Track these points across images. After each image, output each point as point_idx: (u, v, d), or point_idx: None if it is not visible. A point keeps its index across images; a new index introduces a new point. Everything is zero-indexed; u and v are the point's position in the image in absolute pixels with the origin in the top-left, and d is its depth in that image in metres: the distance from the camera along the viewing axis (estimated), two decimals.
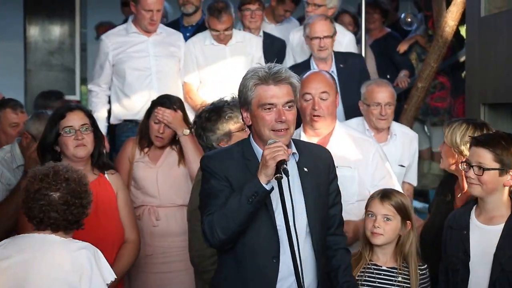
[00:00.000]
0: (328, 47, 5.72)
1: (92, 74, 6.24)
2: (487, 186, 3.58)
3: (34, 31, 8.77)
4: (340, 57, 5.85)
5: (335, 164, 3.67)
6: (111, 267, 3.69)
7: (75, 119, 4.04)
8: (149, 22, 5.81)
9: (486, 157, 3.57)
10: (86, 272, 3.05)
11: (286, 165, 3.14)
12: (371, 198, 3.86)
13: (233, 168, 3.27)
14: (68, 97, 8.49)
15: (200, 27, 6.46)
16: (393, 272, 3.77)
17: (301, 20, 7.17)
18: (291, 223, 3.10)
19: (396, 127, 5.29)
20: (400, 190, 4.21)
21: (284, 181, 3.17)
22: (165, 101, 4.78)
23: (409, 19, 7.38)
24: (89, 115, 4.16)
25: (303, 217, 3.32)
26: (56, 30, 8.82)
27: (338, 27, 6.29)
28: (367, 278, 3.76)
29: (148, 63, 5.82)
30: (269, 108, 3.26)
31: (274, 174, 3.13)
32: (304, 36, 5.84)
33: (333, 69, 5.77)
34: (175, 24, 6.59)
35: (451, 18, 6.45)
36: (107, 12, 8.28)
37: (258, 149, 3.33)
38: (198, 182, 3.92)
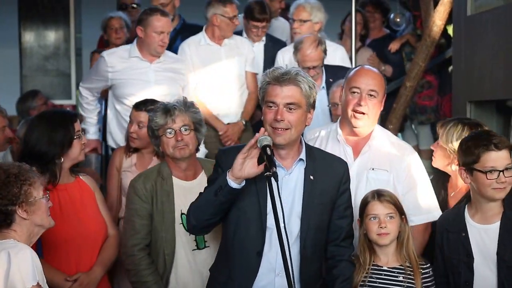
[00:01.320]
0: (318, 72, 5.68)
1: (86, 77, 6.12)
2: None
3: (29, 37, 8.83)
4: (330, 70, 5.77)
5: (371, 166, 3.81)
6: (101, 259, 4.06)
7: (78, 123, 4.14)
8: (160, 44, 5.61)
9: (508, 156, 3.59)
10: (1, 272, 3.08)
11: (275, 167, 3.18)
12: (367, 202, 3.78)
13: None
14: (64, 102, 8.56)
15: (178, 32, 6.42)
16: (394, 272, 3.74)
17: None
18: (281, 224, 3.15)
19: None
20: (436, 204, 4.06)
21: (280, 181, 3.26)
22: (141, 106, 4.82)
23: (398, 19, 7.43)
24: None
25: (296, 221, 3.41)
26: (51, 35, 8.87)
27: (329, 43, 6.27)
28: (368, 279, 3.73)
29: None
30: (271, 106, 3.35)
31: (264, 173, 3.20)
32: (294, 59, 5.75)
33: (323, 84, 5.74)
34: None
35: (438, 17, 6.48)
36: (102, 17, 8.29)
37: None
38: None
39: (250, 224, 3.38)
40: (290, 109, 3.33)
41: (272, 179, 3.15)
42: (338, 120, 4.16)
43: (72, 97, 8.93)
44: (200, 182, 4.10)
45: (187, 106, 4.18)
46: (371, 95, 3.95)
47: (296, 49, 5.69)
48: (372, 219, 3.75)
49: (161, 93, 5.47)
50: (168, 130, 4.09)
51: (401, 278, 3.72)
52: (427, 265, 3.79)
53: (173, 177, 4.12)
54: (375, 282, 3.73)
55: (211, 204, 3.32)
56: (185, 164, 4.14)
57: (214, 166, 3.53)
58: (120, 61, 5.66)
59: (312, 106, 3.44)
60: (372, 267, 3.76)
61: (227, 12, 6.03)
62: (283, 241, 3.10)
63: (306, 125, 3.45)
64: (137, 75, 5.63)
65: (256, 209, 3.37)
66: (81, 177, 4.24)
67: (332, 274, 3.54)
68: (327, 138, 4.12)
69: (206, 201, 3.35)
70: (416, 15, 7.09)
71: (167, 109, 4.13)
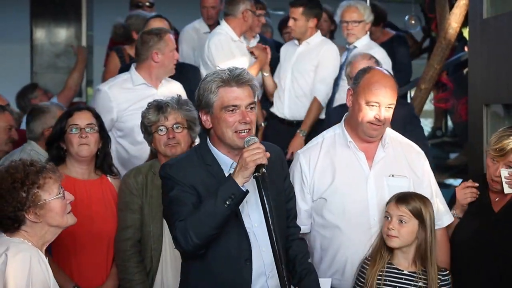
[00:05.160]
0: None
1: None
2: None
3: (40, 34, 8.83)
4: None
5: (391, 173, 3.78)
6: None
7: (81, 118, 4.13)
8: (175, 62, 5.26)
9: None
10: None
11: (265, 168, 3.15)
12: (389, 201, 3.76)
13: (196, 175, 3.25)
14: (75, 99, 8.55)
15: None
16: (413, 277, 3.71)
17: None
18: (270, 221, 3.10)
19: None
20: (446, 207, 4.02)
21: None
22: None
23: (412, 21, 7.41)
24: (97, 116, 4.22)
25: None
26: (62, 33, 8.88)
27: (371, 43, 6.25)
28: (387, 281, 3.71)
29: None
30: (232, 110, 3.26)
31: (252, 175, 3.15)
32: (345, 74, 5.38)
33: None
34: None
35: (454, 20, 6.48)
36: (114, 14, 8.29)
37: (218, 153, 3.33)
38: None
39: (229, 229, 3.24)
40: (251, 109, 3.29)
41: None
42: (342, 123, 3.97)
43: (82, 94, 8.92)
44: None
45: (180, 103, 4.15)
46: (389, 107, 3.83)
47: (349, 64, 5.32)
48: (386, 218, 3.76)
49: None
50: (160, 127, 4.09)
51: (421, 284, 3.69)
52: (446, 272, 3.76)
53: None
54: (395, 286, 3.70)
55: (219, 216, 3.12)
56: None
57: (165, 182, 3.30)
58: (123, 92, 5.13)
59: None
60: (393, 269, 3.73)
61: (254, 7, 6.10)
62: (274, 243, 3.06)
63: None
64: (144, 104, 4.61)
65: (232, 214, 3.22)
66: (109, 177, 4.23)
67: (289, 255, 3.49)
68: (333, 143, 3.94)
69: (210, 215, 3.12)
70: (432, 17, 7.07)
71: (160, 106, 4.11)
